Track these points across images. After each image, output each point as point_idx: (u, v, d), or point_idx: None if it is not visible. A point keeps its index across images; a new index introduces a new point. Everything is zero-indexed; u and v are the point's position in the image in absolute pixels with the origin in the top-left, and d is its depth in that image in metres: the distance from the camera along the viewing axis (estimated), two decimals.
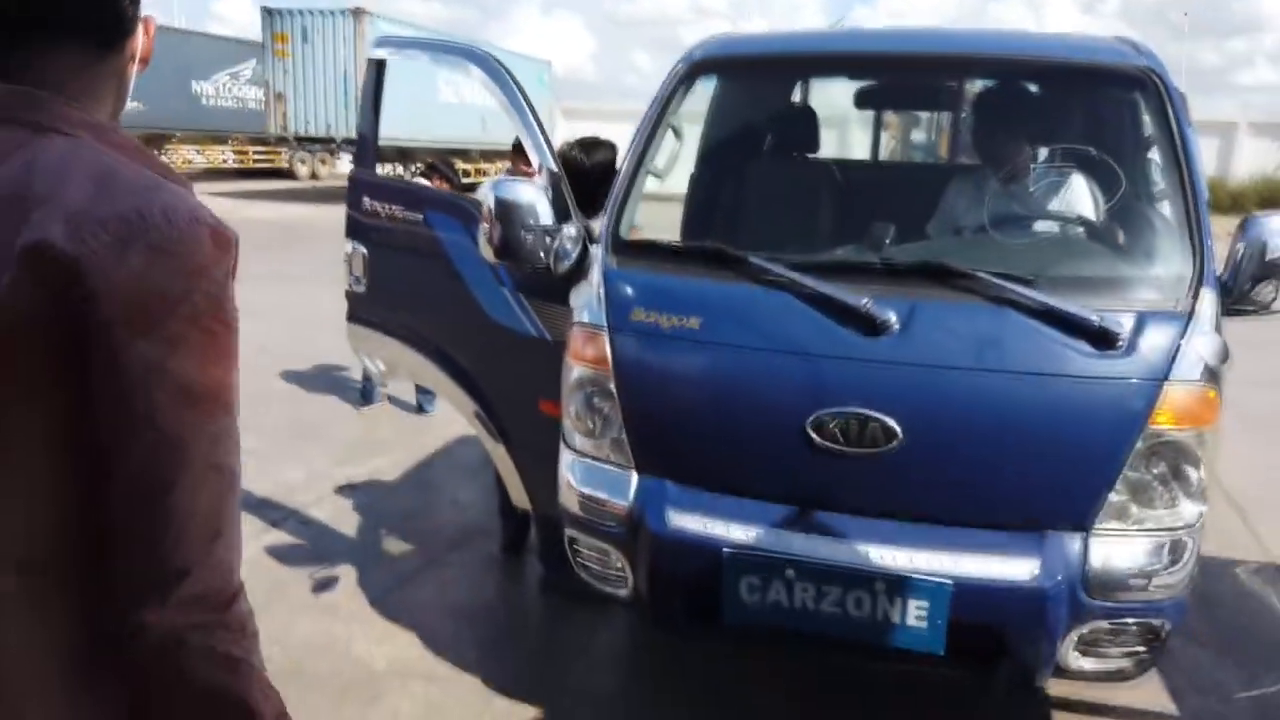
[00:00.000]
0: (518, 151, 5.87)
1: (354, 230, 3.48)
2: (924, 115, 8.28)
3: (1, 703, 0.97)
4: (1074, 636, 2.33)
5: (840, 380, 2.37)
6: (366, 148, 3.54)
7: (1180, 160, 2.58)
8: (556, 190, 2.91)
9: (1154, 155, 2.76)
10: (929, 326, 2.37)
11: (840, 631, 2.36)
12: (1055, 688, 3.02)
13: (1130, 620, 2.35)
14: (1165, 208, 2.58)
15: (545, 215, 2.81)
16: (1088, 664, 2.40)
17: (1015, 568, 2.28)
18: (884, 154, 8.86)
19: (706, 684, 3.06)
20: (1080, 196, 2.87)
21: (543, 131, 3.01)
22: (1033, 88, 3.01)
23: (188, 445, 0.92)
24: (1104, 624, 2.34)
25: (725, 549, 2.37)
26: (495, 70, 3.11)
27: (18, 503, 0.93)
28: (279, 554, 3.88)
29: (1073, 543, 2.31)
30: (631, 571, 2.59)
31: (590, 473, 2.67)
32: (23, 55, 0.99)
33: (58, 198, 0.90)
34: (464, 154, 26.04)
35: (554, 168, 2.96)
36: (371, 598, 3.51)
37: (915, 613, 2.29)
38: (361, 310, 3.53)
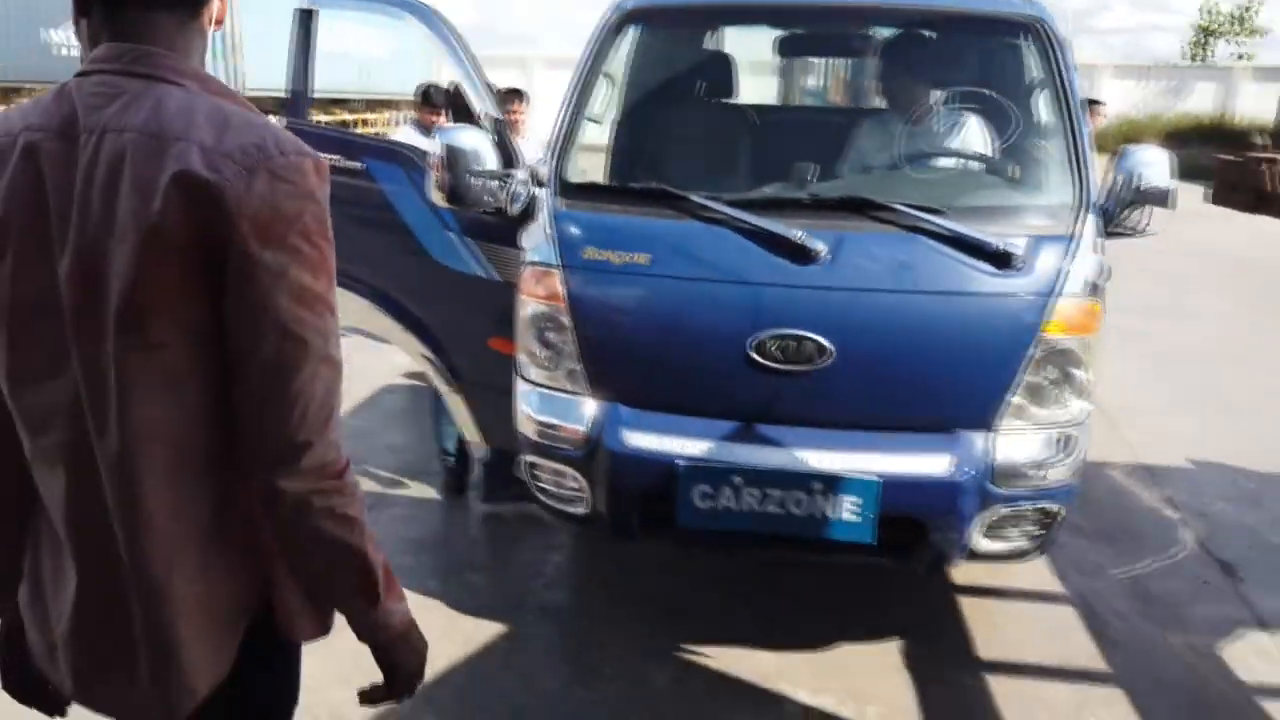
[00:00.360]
0: (425, 100, 5.93)
1: None
2: (815, 61, 8.60)
3: (147, 573, 1.15)
4: (982, 522, 2.68)
5: (777, 305, 2.64)
6: (299, 99, 3.60)
7: (1065, 100, 2.91)
8: (500, 136, 3.06)
9: (1042, 96, 3.07)
10: (854, 254, 2.65)
11: (783, 529, 2.65)
12: (959, 575, 3.41)
13: (1028, 505, 2.71)
14: (1053, 143, 2.90)
15: (491, 161, 2.96)
16: (993, 546, 2.75)
17: (933, 464, 2.61)
18: (777, 99, 9.18)
19: (655, 592, 3.34)
20: (976, 135, 3.18)
21: (483, 80, 3.14)
22: (934, 36, 3.29)
23: (307, 340, 1.12)
24: (1007, 509, 2.69)
25: (679, 462, 2.62)
26: (433, 21, 3.21)
27: (170, 391, 1.12)
28: None
29: (980, 440, 2.65)
30: (590, 489, 2.82)
31: (546, 401, 2.87)
32: (130, 19, 1.16)
33: (190, 136, 1.09)
34: (345, 103, 25.29)
35: (497, 115, 3.11)
36: None
37: (849, 508, 2.59)
38: None
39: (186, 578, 1.17)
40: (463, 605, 3.22)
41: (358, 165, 3.38)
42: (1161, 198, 2.86)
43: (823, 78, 10.10)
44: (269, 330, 1.09)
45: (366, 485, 4.17)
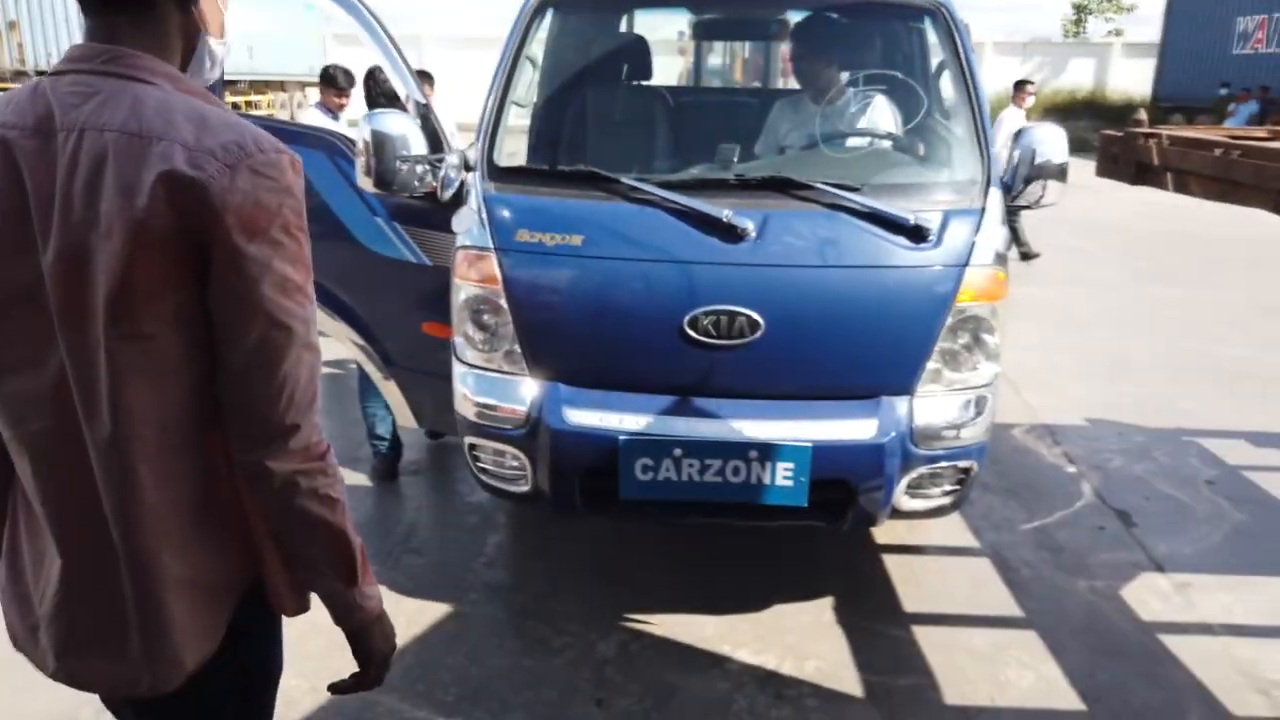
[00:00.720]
0: (327, 82, 5.84)
1: None
2: (718, 43, 8.76)
3: (139, 551, 1.20)
4: (905, 481, 2.84)
5: (709, 282, 2.73)
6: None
7: (967, 81, 3.08)
8: (425, 120, 3.07)
9: (946, 77, 3.23)
10: (780, 232, 2.77)
11: (721, 496, 2.76)
12: (881, 535, 3.60)
13: (946, 464, 2.88)
14: (958, 122, 3.07)
15: (418, 145, 2.98)
16: (916, 504, 2.92)
17: (859, 429, 2.75)
18: (682, 78, 9.29)
19: (596, 564, 3.43)
20: (885, 114, 3.33)
21: (405, 62, 3.14)
22: (843, 20, 3.43)
23: (291, 327, 1.18)
24: (927, 469, 2.86)
25: (620, 437, 2.71)
26: (351, 5, 3.19)
27: (160, 378, 1.17)
28: None
29: (901, 405, 2.81)
30: (531, 467, 2.88)
31: (484, 383, 2.92)
32: (101, 21, 1.21)
33: (171, 135, 1.13)
34: (231, 85, 24.44)
35: (420, 98, 3.12)
36: None
37: (783, 474, 2.72)
38: None
39: (177, 555, 1.21)
40: (405, 589, 3.25)
41: None
42: (1058, 172, 3.06)
43: (725, 57, 10.28)
44: (255, 319, 1.15)
45: None
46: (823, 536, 3.56)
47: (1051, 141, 3.05)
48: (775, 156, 3.22)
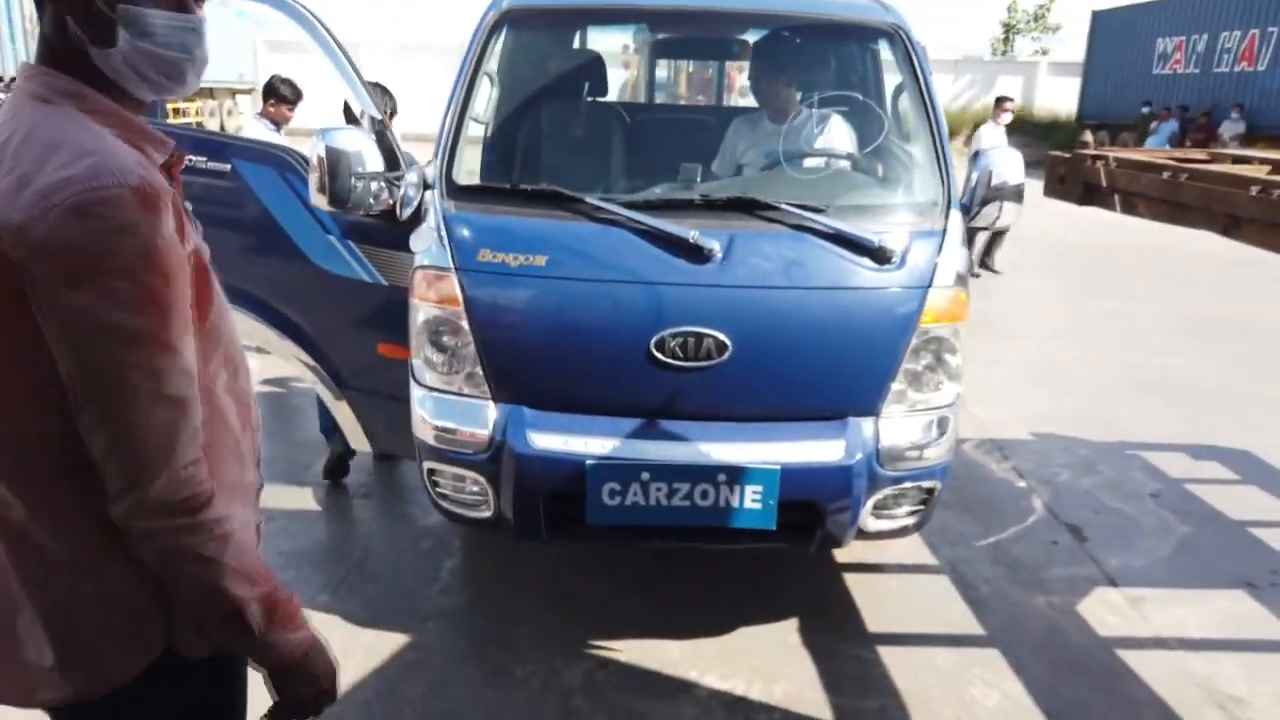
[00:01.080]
0: (270, 93, 5.70)
1: None
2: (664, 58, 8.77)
3: (60, 571, 1.18)
4: (871, 502, 2.84)
5: (676, 304, 2.70)
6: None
7: (926, 103, 3.10)
8: (381, 136, 3.00)
9: (904, 98, 3.26)
10: (746, 253, 2.75)
11: (690, 520, 2.73)
12: (841, 554, 3.59)
13: (911, 484, 2.89)
14: (918, 144, 3.09)
15: (374, 162, 2.91)
16: (881, 525, 2.92)
17: (827, 451, 2.74)
18: (626, 93, 9.28)
19: (556, 589, 3.36)
20: (844, 135, 3.35)
21: (360, 78, 3.06)
22: (802, 40, 3.43)
23: (130, 381, 1.08)
24: (892, 489, 2.86)
25: (588, 461, 2.65)
26: (299, 14, 3.10)
27: (12, 409, 1.13)
28: None
29: (867, 426, 2.81)
30: (493, 493, 2.81)
31: (444, 406, 2.84)
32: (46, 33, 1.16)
33: (15, 168, 1.07)
34: None
35: (376, 114, 3.04)
36: None
37: (751, 497, 2.69)
38: None
39: (85, 573, 1.19)
40: (359, 618, 3.15)
41: (225, 167, 3.23)
42: (1014, 194, 3.10)
43: (670, 71, 10.30)
44: (84, 372, 1.08)
45: None
46: (784, 556, 3.55)
47: (1008, 163, 3.10)
48: (737, 176, 3.21)
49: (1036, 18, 35.14)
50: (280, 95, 5.67)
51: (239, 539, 1.18)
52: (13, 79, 1.21)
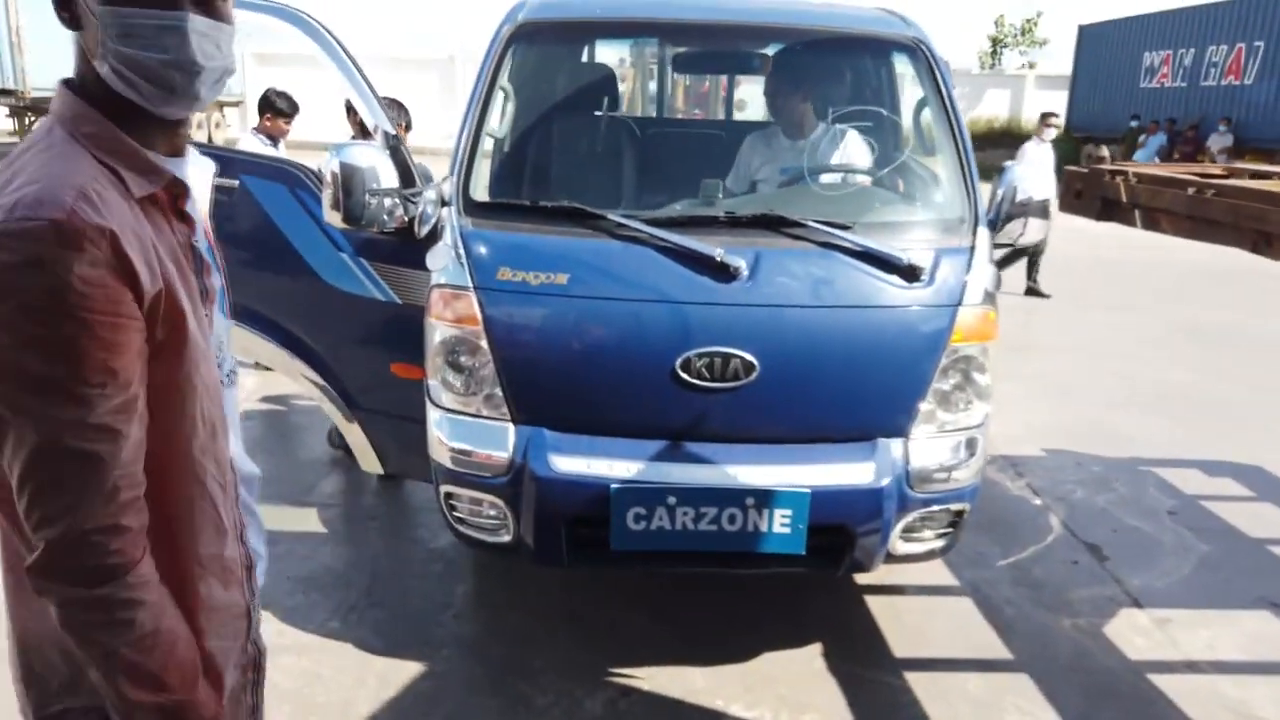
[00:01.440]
0: (266, 107, 5.63)
1: None
2: (653, 68, 8.72)
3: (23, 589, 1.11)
4: (900, 525, 2.78)
5: (702, 323, 2.64)
6: None
7: (950, 118, 3.05)
8: (396, 152, 2.93)
9: (927, 113, 3.21)
10: (772, 271, 2.69)
11: (717, 546, 2.65)
12: (861, 576, 3.52)
13: (940, 507, 2.82)
14: (944, 159, 3.04)
15: (388, 178, 2.84)
16: (909, 548, 2.86)
17: (857, 473, 2.68)
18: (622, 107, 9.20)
19: (572, 614, 3.28)
20: (866, 150, 3.30)
21: (374, 92, 2.99)
22: (822, 55, 3.38)
23: (27, 427, 1.00)
24: (922, 512, 2.79)
25: (612, 485, 2.58)
26: (313, 29, 3.04)
27: None
28: None
29: (897, 447, 2.74)
30: (513, 517, 2.73)
31: (462, 428, 2.76)
32: None
33: None
34: None
35: (389, 130, 2.97)
36: None
37: (780, 521, 2.62)
38: None
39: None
40: (372, 645, 3.05)
41: (233, 183, 3.15)
42: (1040, 209, 3.05)
43: (666, 83, 10.24)
44: None
45: None
46: (804, 577, 3.47)
47: (1034, 178, 3.04)
48: (759, 192, 3.15)
49: (1024, 31, 35.41)
50: (276, 109, 5.60)
51: (158, 627, 1.07)
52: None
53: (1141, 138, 20.32)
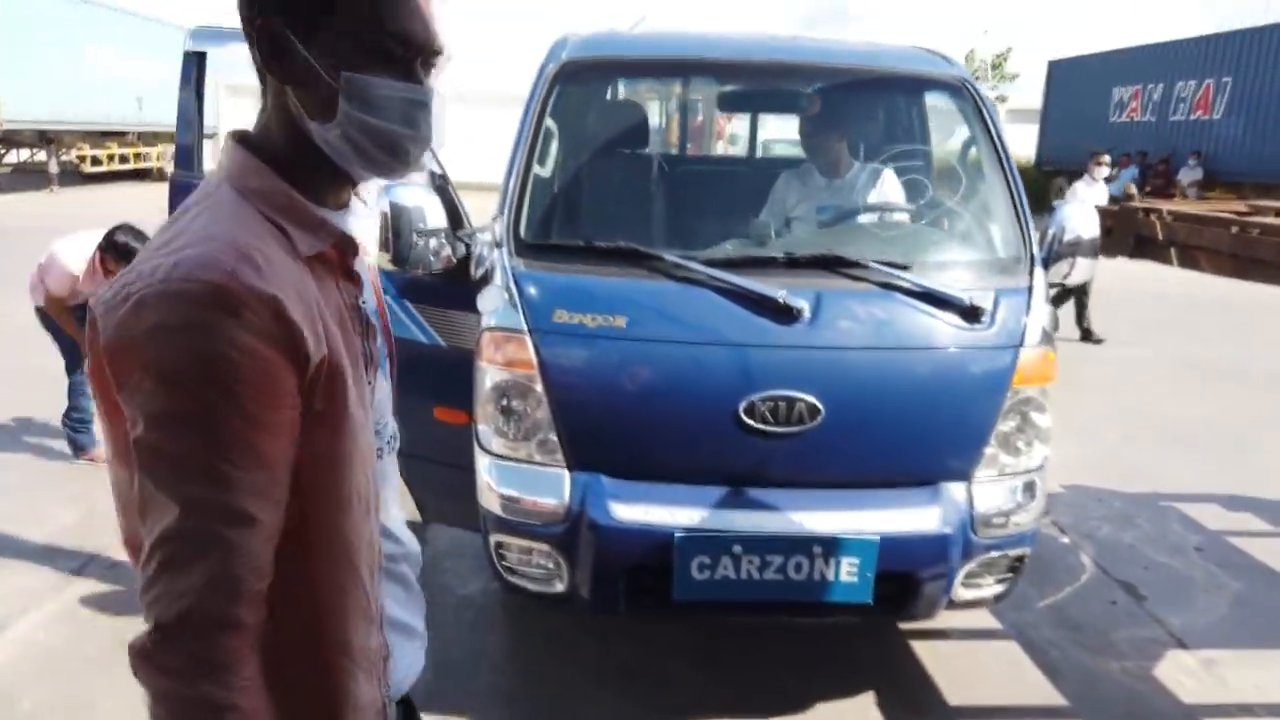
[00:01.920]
0: None
1: None
2: (654, 103, 8.73)
3: None
4: (964, 571, 2.72)
5: (765, 366, 2.58)
6: (188, 148, 3.24)
7: (1000, 156, 3.04)
8: (443, 191, 2.86)
9: (976, 152, 3.19)
10: (834, 312, 2.64)
11: (781, 595, 2.58)
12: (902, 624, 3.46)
13: (1001, 553, 2.77)
14: (996, 198, 3.02)
15: (435, 218, 2.77)
16: (970, 594, 2.80)
17: (924, 519, 2.62)
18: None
19: (613, 664, 3.18)
20: (895, 189, 3.28)
21: None
22: (859, 94, 3.37)
23: (167, 505, 0.92)
24: (985, 557, 2.74)
25: (676, 534, 2.51)
26: None
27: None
28: (100, 604, 3.47)
29: (960, 491, 2.69)
30: (568, 567, 2.65)
31: (514, 474, 2.68)
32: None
33: (142, 255, 0.99)
34: (120, 136, 23.47)
35: (438, 170, 2.91)
36: None
37: (848, 569, 2.56)
38: None
39: None
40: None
41: None
42: (1090, 248, 3.04)
43: (661, 118, 10.26)
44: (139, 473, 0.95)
45: None
46: (855, 623, 3.40)
47: (1082, 218, 3.03)
48: (815, 232, 3.11)
49: (994, 66, 36.05)
50: None
51: None
52: None
53: (1113, 171, 20.63)
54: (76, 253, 4.53)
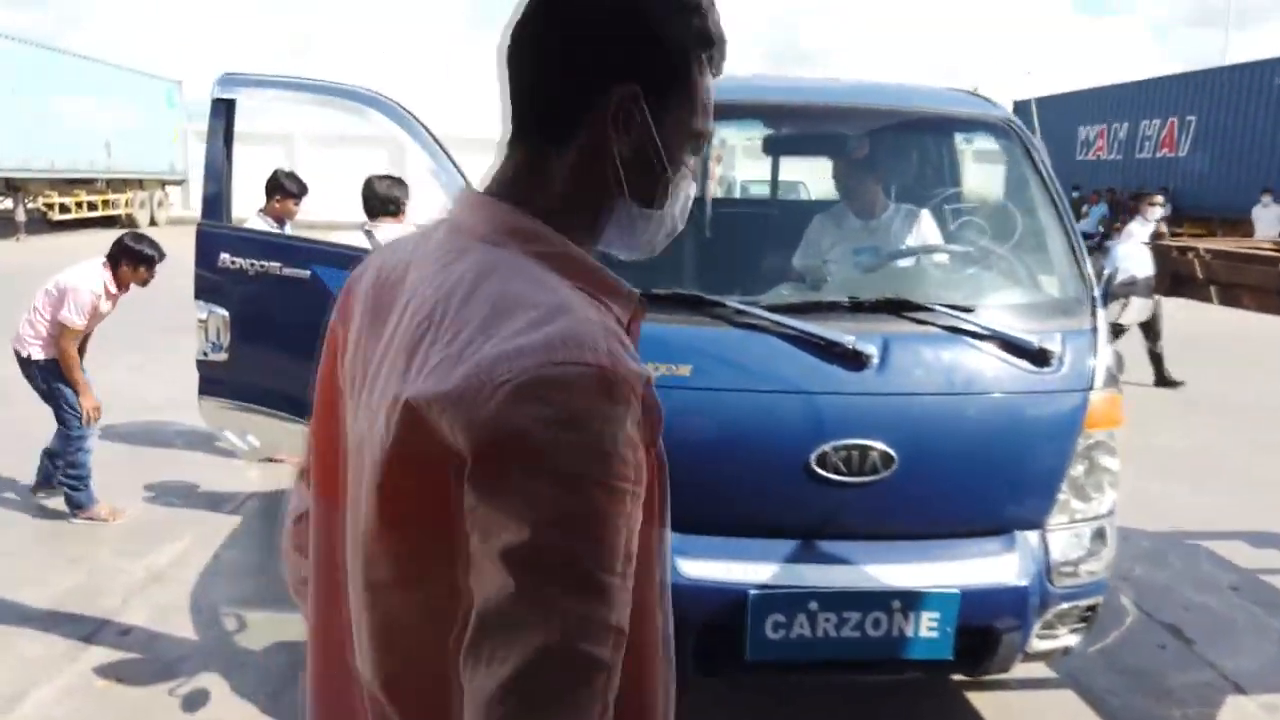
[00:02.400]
0: (275, 189, 5.45)
1: (208, 290, 3.06)
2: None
3: None
4: (1040, 622, 2.63)
5: (836, 414, 2.50)
6: (218, 197, 3.12)
7: (1053, 196, 3.00)
8: None
9: (1027, 192, 3.15)
10: (903, 357, 2.57)
11: (859, 653, 2.48)
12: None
13: (1074, 602, 2.69)
14: (1053, 239, 2.97)
15: None
16: (1045, 645, 2.71)
17: (1003, 570, 2.54)
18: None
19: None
20: (932, 230, 3.23)
21: (461, 173, 2.84)
22: (912, 136, 3.34)
23: (543, 627, 0.76)
24: (1060, 607, 2.66)
25: (750, 591, 2.40)
26: (392, 109, 2.90)
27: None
28: (116, 672, 3.29)
29: (1035, 540, 2.61)
30: None
31: None
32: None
33: (458, 333, 0.82)
34: (88, 184, 23.16)
35: None
36: (262, 705, 3.09)
37: (928, 624, 2.46)
38: (221, 382, 3.11)
39: None
40: None
41: (303, 274, 2.96)
42: (1145, 288, 3.00)
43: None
44: (486, 598, 0.77)
45: (281, 632, 3.59)
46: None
47: (1136, 257, 3.00)
48: (866, 274, 3.04)
49: None
50: (286, 190, 5.43)
51: None
52: None
53: (1084, 208, 21.01)
54: (89, 276, 4.49)
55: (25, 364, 4.55)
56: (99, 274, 4.50)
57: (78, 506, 4.65)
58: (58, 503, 4.75)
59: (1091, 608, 2.74)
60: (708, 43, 0.92)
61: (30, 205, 21.50)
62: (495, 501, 0.76)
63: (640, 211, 0.94)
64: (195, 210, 5.24)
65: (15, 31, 20.84)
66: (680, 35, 0.90)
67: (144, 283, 4.59)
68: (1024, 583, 2.53)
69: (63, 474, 4.65)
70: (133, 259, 4.45)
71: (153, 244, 4.57)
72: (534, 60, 0.91)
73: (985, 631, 2.54)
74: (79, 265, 4.56)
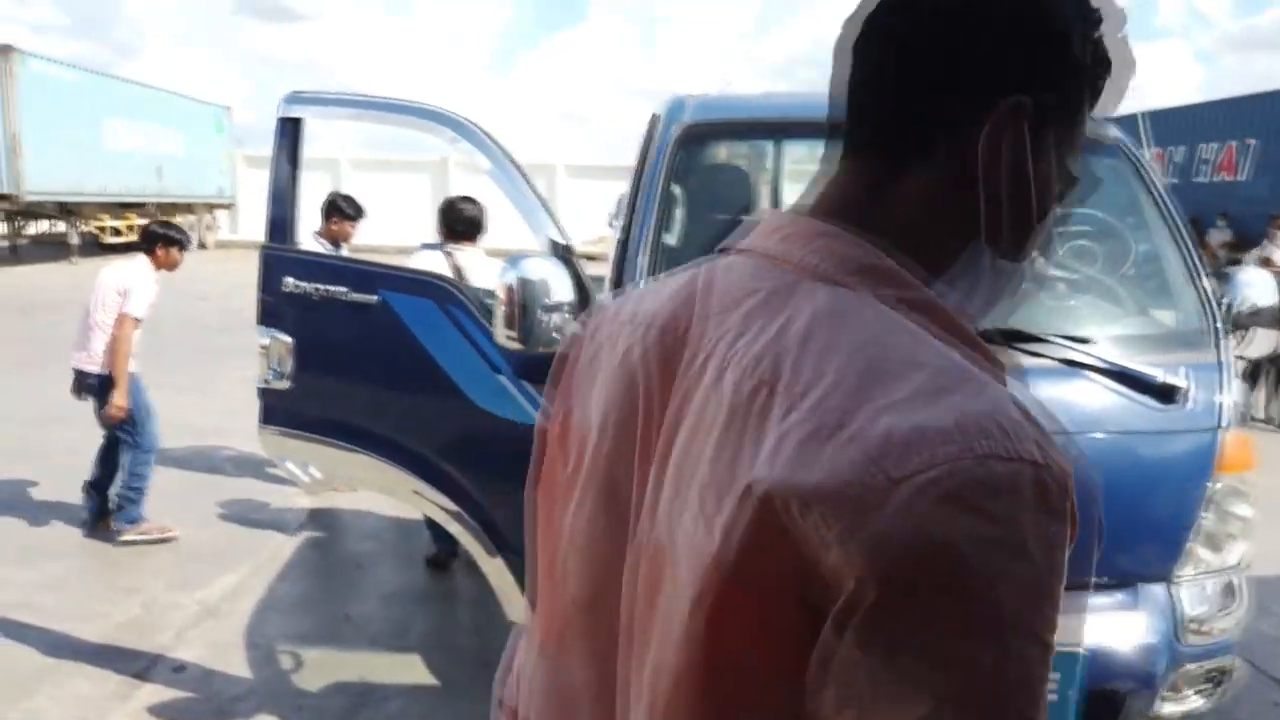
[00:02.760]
0: (333, 210, 5.37)
1: (271, 316, 2.93)
2: None
3: None
4: (1167, 683, 2.40)
5: None
6: (283, 220, 3.00)
7: (1169, 220, 2.79)
8: (568, 263, 2.62)
9: (1143, 217, 2.94)
10: (1019, 393, 2.36)
11: None
12: None
13: (1203, 663, 2.46)
14: (1172, 266, 2.76)
15: (561, 292, 2.53)
16: (1170, 708, 2.47)
17: (1130, 626, 2.32)
18: None
19: None
20: (1090, 258, 3.02)
21: (542, 201, 2.70)
22: None
23: None
24: (1188, 668, 2.43)
25: None
26: (467, 129, 2.77)
27: None
28: (170, 712, 3.15)
29: (1162, 593, 2.39)
30: None
31: None
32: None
33: (808, 390, 0.60)
34: (138, 207, 23.53)
35: (561, 239, 2.67)
36: None
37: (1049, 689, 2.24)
38: (284, 410, 2.98)
39: None
40: None
41: (371, 299, 2.83)
42: (1272, 318, 2.78)
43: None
44: None
45: (336, 673, 3.44)
46: None
47: (1260, 285, 2.78)
48: None
49: None
50: (343, 212, 5.36)
51: None
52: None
53: None
54: (139, 269, 4.68)
55: (101, 382, 4.51)
56: (144, 264, 4.68)
57: (130, 521, 4.59)
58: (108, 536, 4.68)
59: (1220, 669, 2.50)
60: (1105, 67, 0.72)
61: (83, 229, 21.89)
62: (891, 651, 0.54)
63: (993, 262, 0.71)
64: (242, 234, 5.26)
65: (73, 59, 21.33)
66: (1082, 51, 0.70)
67: (173, 266, 4.77)
68: (1152, 640, 2.31)
69: (124, 487, 4.61)
70: (166, 242, 4.72)
71: (179, 228, 4.98)
72: (896, 58, 0.70)
73: (1108, 696, 2.32)
74: (119, 267, 4.72)
